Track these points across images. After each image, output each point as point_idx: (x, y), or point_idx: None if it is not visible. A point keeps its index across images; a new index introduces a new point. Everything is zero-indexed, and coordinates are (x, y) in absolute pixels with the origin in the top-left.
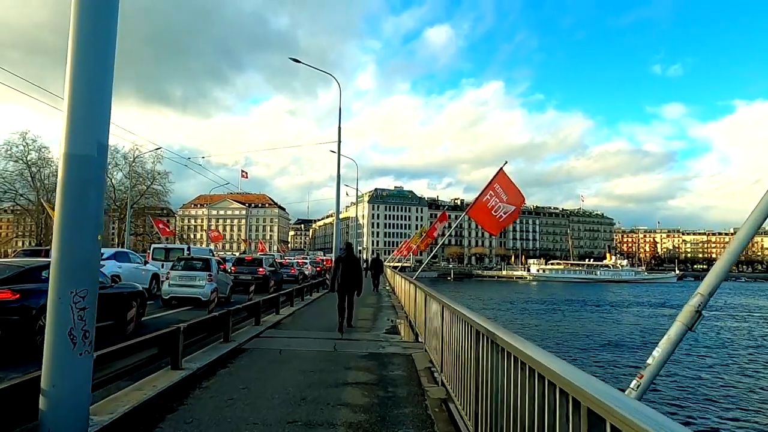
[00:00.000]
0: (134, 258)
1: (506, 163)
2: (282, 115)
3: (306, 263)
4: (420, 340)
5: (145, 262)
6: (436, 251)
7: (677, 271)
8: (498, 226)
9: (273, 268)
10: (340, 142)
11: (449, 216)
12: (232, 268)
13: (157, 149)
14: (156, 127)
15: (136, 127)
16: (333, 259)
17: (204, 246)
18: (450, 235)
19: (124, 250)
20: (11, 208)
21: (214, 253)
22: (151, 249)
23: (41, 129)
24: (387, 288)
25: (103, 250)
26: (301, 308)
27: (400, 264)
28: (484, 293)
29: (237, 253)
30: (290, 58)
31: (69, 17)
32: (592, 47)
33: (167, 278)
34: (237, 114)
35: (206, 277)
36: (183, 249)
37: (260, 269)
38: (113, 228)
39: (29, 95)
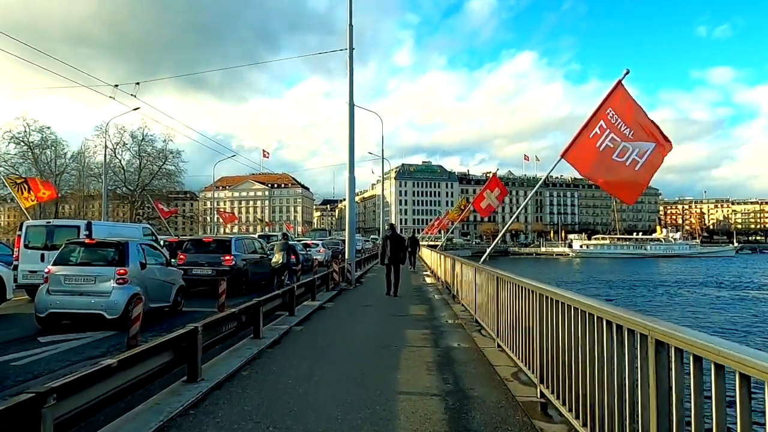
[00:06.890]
0: None
1: (628, 72)
2: (317, 96)
3: (318, 245)
4: None
5: None
6: (505, 231)
7: (736, 243)
8: (635, 186)
9: (258, 256)
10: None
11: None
12: (181, 256)
13: (135, 109)
14: (193, 113)
15: (173, 114)
16: (347, 239)
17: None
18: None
19: None
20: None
21: (155, 233)
22: (23, 229)
23: (88, 119)
24: (425, 275)
25: None
26: (271, 346)
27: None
28: (531, 272)
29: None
30: None
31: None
32: (639, 11)
33: (46, 280)
34: (272, 97)
35: (114, 275)
36: (78, 227)
37: (226, 257)
38: (125, 213)
39: (78, 83)
